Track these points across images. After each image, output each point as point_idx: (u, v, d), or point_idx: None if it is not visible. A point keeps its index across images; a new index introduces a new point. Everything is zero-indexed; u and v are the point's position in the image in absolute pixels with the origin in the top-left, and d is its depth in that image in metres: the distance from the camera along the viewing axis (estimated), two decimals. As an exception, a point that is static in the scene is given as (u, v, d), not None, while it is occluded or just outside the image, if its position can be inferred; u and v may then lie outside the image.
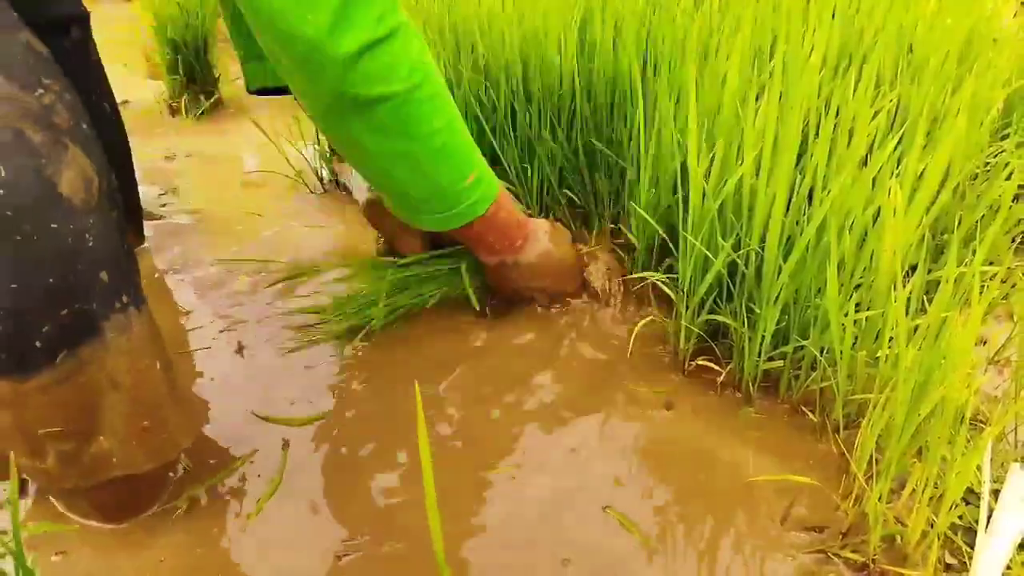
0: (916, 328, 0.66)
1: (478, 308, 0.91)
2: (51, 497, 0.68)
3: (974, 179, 0.89)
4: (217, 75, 1.63)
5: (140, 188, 1.08)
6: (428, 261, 0.94)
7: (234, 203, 1.24)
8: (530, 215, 0.96)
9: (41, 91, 0.52)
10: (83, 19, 0.92)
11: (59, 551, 0.65)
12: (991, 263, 0.98)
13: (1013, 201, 0.88)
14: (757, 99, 0.75)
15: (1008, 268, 0.92)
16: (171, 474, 0.71)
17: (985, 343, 0.90)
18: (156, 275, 1.03)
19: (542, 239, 0.90)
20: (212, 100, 1.59)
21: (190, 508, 0.69)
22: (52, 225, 0.51)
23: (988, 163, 0.94)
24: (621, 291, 0.95)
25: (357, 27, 0.63)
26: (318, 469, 0.73)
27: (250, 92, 0.99)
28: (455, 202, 0.78)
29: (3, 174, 0.49)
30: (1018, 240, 0.96)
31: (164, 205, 1.22)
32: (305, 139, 1.32)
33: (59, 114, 0.53)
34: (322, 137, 1.26)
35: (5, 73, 0.51)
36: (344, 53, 0.63)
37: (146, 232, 1.11)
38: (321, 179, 1.29)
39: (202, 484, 0.71)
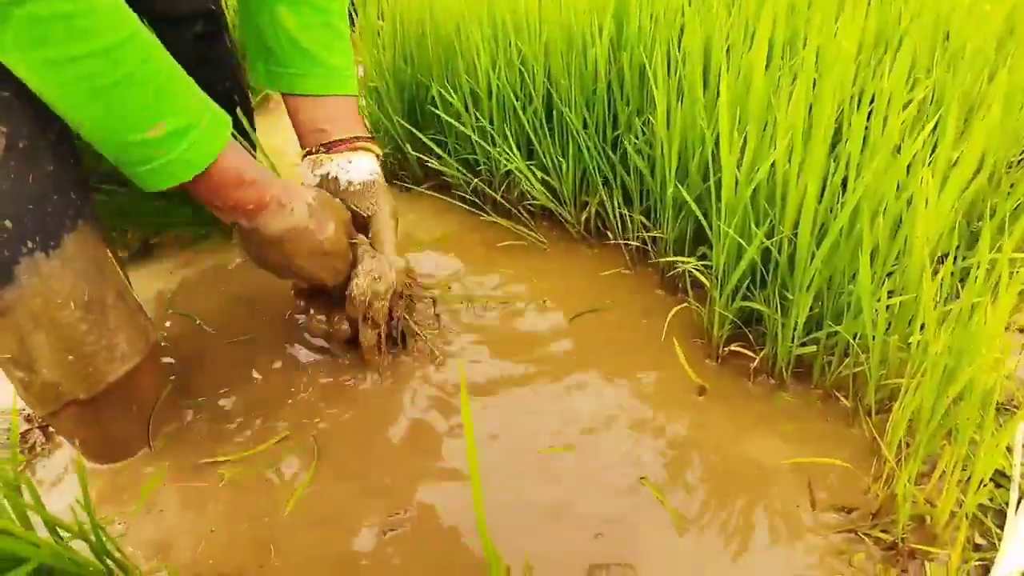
0: (948, 314, 0.67)
1: None
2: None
3: (1011, 167, 0.88)
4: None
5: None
6: None
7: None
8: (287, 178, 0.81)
9: None
10: (209, 15, 0.98)
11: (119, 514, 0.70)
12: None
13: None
14: (792, 83, 0.76)
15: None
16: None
17: (1021, 330, 0.90)
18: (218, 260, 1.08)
19: (296, 211, 0.75)
20: (260, 96, 1.64)
21: (234, 480, 0.73)
22: None
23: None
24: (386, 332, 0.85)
25: None
26: (354, 442, 0.77)
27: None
28: (133, 160, 0.65)
29: None
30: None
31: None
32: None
33: None
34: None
35: None
36: None
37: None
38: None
39: (244, 452, 0.75)
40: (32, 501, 0.52)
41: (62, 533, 0.54)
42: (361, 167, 0.87)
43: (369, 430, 0.79)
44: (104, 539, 0.55)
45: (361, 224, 0.87)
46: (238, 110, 0.88)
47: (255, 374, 0.87)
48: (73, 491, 0.74)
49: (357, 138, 0.88)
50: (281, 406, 0.83)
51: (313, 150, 0.88)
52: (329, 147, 0.87)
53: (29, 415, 0.81)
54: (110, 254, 0.72)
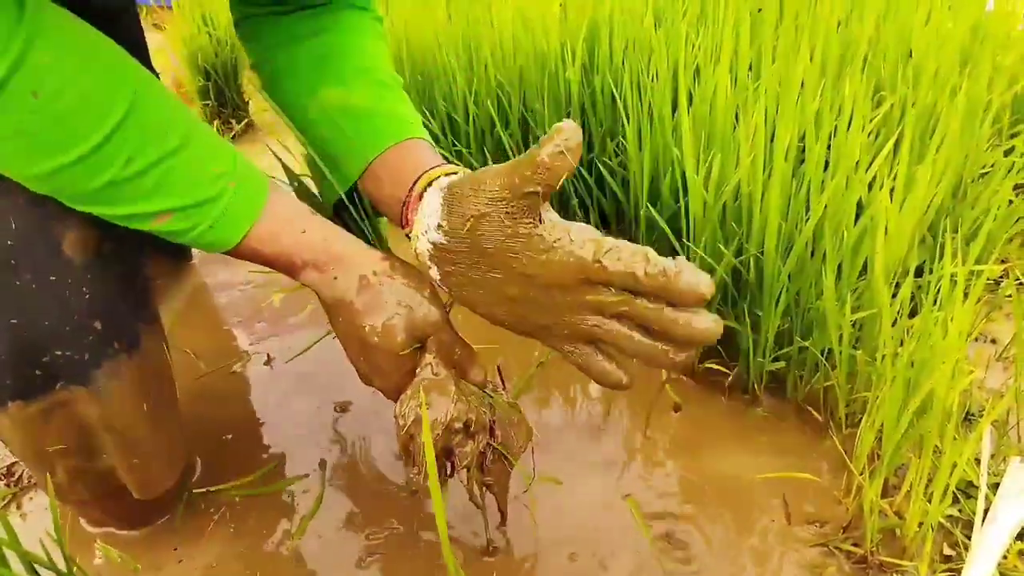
0: (911, 328, 0.68)
1: None
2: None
3: (977, 179, 0.90)
4: (247, 100, 1.70)
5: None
6: None
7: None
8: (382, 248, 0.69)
9: None
10: (128, 6, 0.96)
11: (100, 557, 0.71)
12: (1004, 260, 0.99)
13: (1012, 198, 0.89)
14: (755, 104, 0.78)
15: (1006, 266, 0.93)
16: (192, 478, 0.77)
17: (994, 341, 0.91)
18: (199, 291, 1.10)
19: (339, 281, 0.60)
20: (243, 124, 1.67)
21: (230, 519, 0.74)
22: (51, 277, 0.57)
23: (995, 163, 0.95)
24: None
25: None
26: (351, 480, 0.78)
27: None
28: (165, 235, 0.57)
29: (14, 227, 0.56)
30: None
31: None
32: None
33: None
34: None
35: None
36: None
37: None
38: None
39: (237, 492, 0.76)
40: (6, 537, 0.53)
41: (39, 569, 0.55)
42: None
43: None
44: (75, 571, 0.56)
45: None
46: None
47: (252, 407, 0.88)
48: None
49: (420, 177, 0.63)
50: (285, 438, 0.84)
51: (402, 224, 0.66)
52: (406, 204, 0.64)
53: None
54: (165, 347, 0.70)
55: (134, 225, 0.56)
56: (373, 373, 0.61)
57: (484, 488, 0.64)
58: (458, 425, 0.58)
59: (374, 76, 0.72)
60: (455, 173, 0.62)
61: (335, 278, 0.60)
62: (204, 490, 0.75)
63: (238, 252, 0.59)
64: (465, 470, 0.61)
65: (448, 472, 0.61)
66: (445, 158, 0.67)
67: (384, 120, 0.69)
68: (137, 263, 0.66)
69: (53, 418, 0.61)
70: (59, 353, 0.59)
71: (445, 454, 0.59)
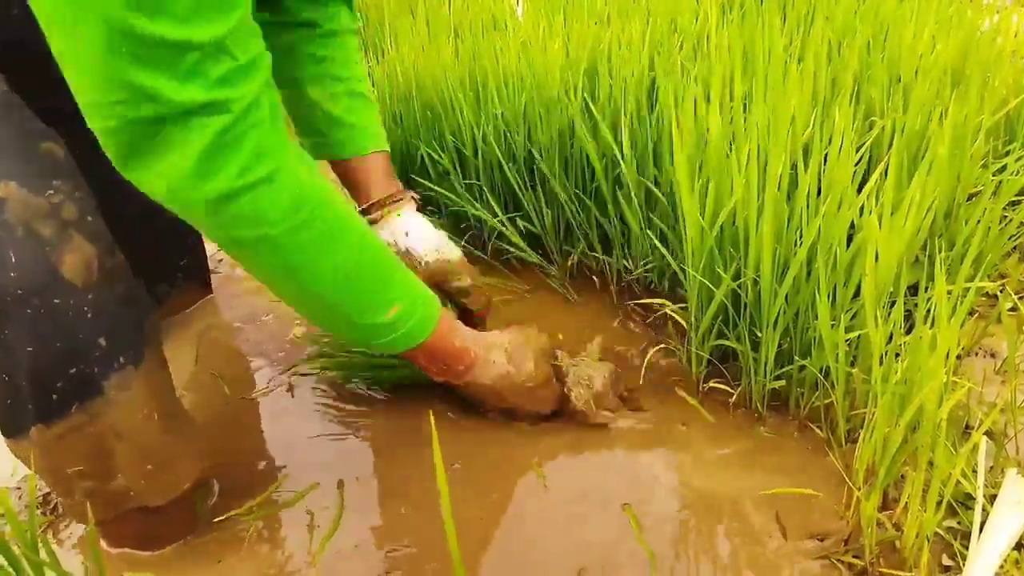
0: (903, 345, 0.71)
1: None
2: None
3: (970, 199, 0.93)
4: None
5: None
6: None
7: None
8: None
9: (51, 192, 0.64)
10: None
11: None
12: (1002, 276, 1.01)
13: (1009, 215, 0.92)
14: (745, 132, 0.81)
15: (1003, 281, 0.95)
16: (209, 501, 0.81)
17: (993, 355, 0.93)
18: (221, 320, 1.14)
19: (498, 361, 0.85)
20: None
21: (252, 541, 0.77)
22: (55, 301, 0.62)
23: (986, 183, 0.98)
24: (620, 404, 0.90)
25: (218, 177, 0.59)
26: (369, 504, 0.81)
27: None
28: (378, 336, 0.74)
29: (14, 260, 0.61)
30: (1024, 253, 0.99)
31: (220, 260, 1.33)
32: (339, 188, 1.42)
33: (66, 209, 0.65)
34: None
35: (19, 181, 0.63)
36: (204, 200, 0.60)
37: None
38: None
39: (260, 512, 0.79)
40: (48, 560, 0.56)
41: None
42: (419, 235, 0.92)
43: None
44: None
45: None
46: None
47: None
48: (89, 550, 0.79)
49: (390, 196, 0.93)
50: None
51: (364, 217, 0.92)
52: (369, 210, 0.93)
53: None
54: (167, 365, 0.76)
55: (376, 318, 0.72)
56: (539, 405, 0.88)
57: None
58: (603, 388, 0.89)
59: (351, 87, 0.92)
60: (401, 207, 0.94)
61: (493, 362, 0.85)
62: (224, 517, 0.79)
63: (422, 350, 0.78)
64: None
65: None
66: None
67: (357, 132, 0.93)
68: (135, 282, 0.71)
69: (70, 440, 0.66)
70: (72, 372, 0.64)
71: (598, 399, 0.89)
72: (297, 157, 0.66)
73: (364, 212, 0.94)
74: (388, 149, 0.97)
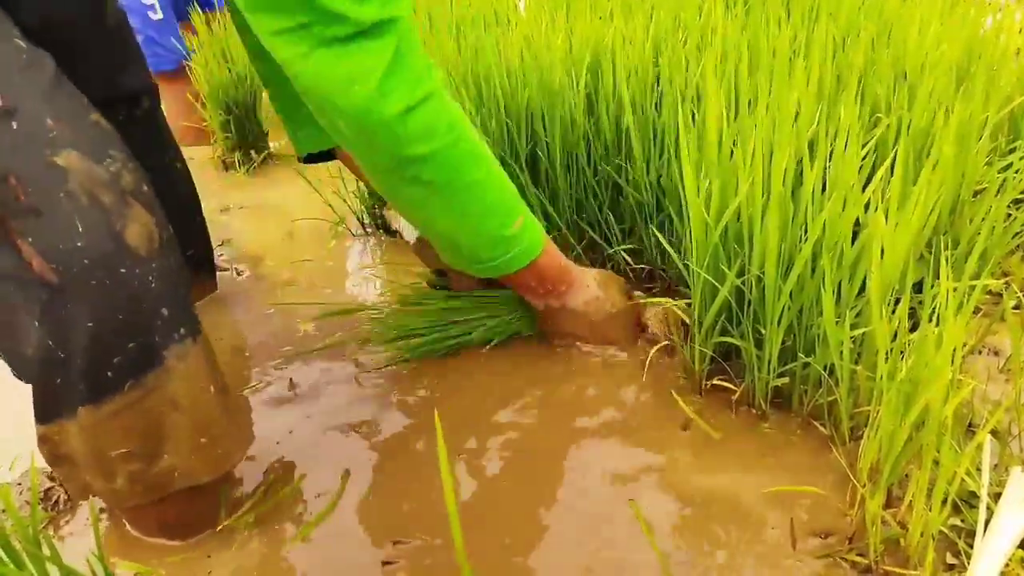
0: (909, 343, 0.70)
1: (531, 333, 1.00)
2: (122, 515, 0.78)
3: (974, 197, 0.92)
4: (266, 131, 1.76)
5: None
6: (478, 293, 1.01)
7: (284, 249, 1.34)
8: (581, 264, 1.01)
9: (109, 160, 0.64)
10: (151, 90, 1.05)
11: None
12: (1006, 274, 1.01)
13: (1014, 212, 0.91)
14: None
15: (1007, 279, 0.95)
16: (233, 493, 0.80)
17: (997, 353, 0.93)
18: (224, 315, 1.14)
19: (590, 286, 0.95)
20: (262, 156, 1.72)
21: (254, 534, 0.77)
22: (121, 270, 0.61)
23: (991, 180, 0.98)
24: (683, 338, 0.95)
25: (399, 91, 0.70)
26: (370, 489, 0.81)
27: (300, 159, 1.09)
28: (503, 249, 0.85)
29: (80, 229, 0.60)
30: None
31: (222, 255, 1.33)
32: (347, 188, 1.42)
33: (124, 179, 0.64)
34: (361, 185, 1.35)
35: (80, 150, 0.62)
36: (391, 115, 0.70)
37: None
38: (363, 224, 1.38)
39: (265, 504, 0.79)
40: (50, 553, 0.56)
41: (79, 583, 0.58)
42: None
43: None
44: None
45: None
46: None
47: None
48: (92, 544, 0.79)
49: None
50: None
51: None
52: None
53: (51, 474, 0.86)
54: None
55: (504, 230, 0.84)
56: (617, 332, 0.98)
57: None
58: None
59: None
60: None
61: (587, 285, 0.95)
62: (235, 518, 0.78)
63: (534, 268, 0.89)
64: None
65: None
66: None
67: None
68: (181, 256, 0.71)
69: (121, 419, 0.65)
70: (132, 346, 0.63)
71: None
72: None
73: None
74: None
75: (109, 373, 0.63)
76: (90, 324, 0.60)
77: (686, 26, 1.13)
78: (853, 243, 0.75)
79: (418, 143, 0.73)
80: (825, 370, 0.79)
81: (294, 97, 0.91)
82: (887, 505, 0.72)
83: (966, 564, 0.67)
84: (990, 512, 0.68)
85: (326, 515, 0.77)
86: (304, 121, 1.02)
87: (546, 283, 0.92)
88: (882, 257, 0.70)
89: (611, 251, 1.08)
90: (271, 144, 1.79)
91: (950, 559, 0.68)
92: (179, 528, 0.76)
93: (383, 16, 0.67)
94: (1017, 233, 0.93)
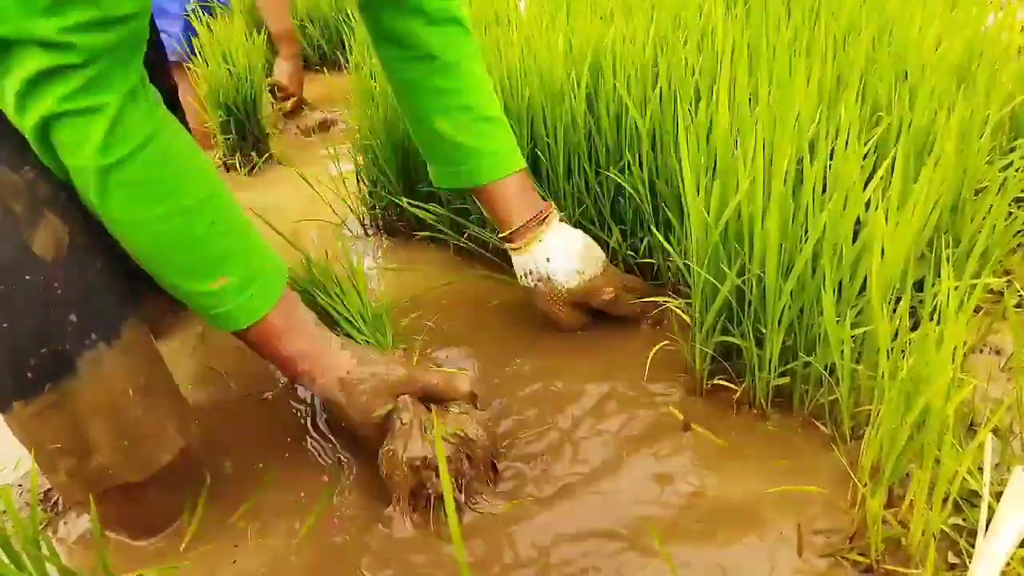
0: (910, 341, 0.70)
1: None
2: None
3: (976, 195, 0.92)
4: (266, 133, 1.76)
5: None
6: None
7: (285, 249, 1.34)
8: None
9: (27, 168, 0.65)
10: (172, 90, 1.07)
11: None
12: (1007, 272, 1.01)
13: (1015, 211, 0.91)
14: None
15: (1008, 278, 0.95)
16: (201, 493, 0.80)
17: (998, 352, 0.92)
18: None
19: (326, 387, 0.78)
20: (263, 157, 1.72)
21: (255, 534, 0.77)
22: (26, 277, 0.63)
23: (992, 178, 0.97)
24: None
25: (38, 103, 0.60)
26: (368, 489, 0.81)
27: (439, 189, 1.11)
28: (202, 306, 0.72)
29: None
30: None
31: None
32: (348, 189, 1.41)
33: (40, 186, 0.66)
34: (363, 186, 1.35)
35: None
36: (28, 125, 0.62)
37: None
38: (365, 225, 1.38)
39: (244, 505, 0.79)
40: (49, 554, 0.56)
41: (79, 584, 0.58)
42: (560, 262, 0.94)
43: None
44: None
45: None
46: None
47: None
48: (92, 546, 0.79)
49: (531, 219, 0.94)
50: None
51: (506, 244, 0.97)
52: (511, 237, 0.95)
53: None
54: (152, 340, 0.75)
55: (197, 286, 0.70)
56: (367, 441, 0.79)
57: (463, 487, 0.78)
58: (418, 463, 0.74)
59: (479, 113, 0.93)
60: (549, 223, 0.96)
61: (322, 385, 0.78)
62: (233, 518, 0.78)
63: (248, 335, 0.75)
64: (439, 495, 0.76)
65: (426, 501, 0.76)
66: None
67: (488, 159, 0.94)
68: (116, 260, 0.71)
69: (47, 417, 0.66)
70: (44, 351, 0.64)
71: (418, 487, 0.75)
72: (149, 108, 0.67)
73: (507, 240, 0.96)
74: (523, 165, 0.97)
75: (29, 375, 0.64)
76: (5, 325, 0.62)
77: (686, 26, 1.13)
78: (854, 242, 0.75)
79: (64, 155, 0.64)
80: (826, 369, 0.79)
81: (430, 132, 0.94)
82: (888, 504, 0.71)
83: (967, 563, 0.67)
84: (991, 511, 0.68)
85: (314, 517, 0.77)
86: (438, 160, 1.00)
87: (266, 356, 0.78)
88: (883, 256, 0.70)
89: (614, 246, 1.08)
90: (272, 146, 1.79)
91: (951, 558, 0.68)
92: (135, 525, 0.77)
93: (59, 40, 0.60)
94: (1018, 231, 0.93)
